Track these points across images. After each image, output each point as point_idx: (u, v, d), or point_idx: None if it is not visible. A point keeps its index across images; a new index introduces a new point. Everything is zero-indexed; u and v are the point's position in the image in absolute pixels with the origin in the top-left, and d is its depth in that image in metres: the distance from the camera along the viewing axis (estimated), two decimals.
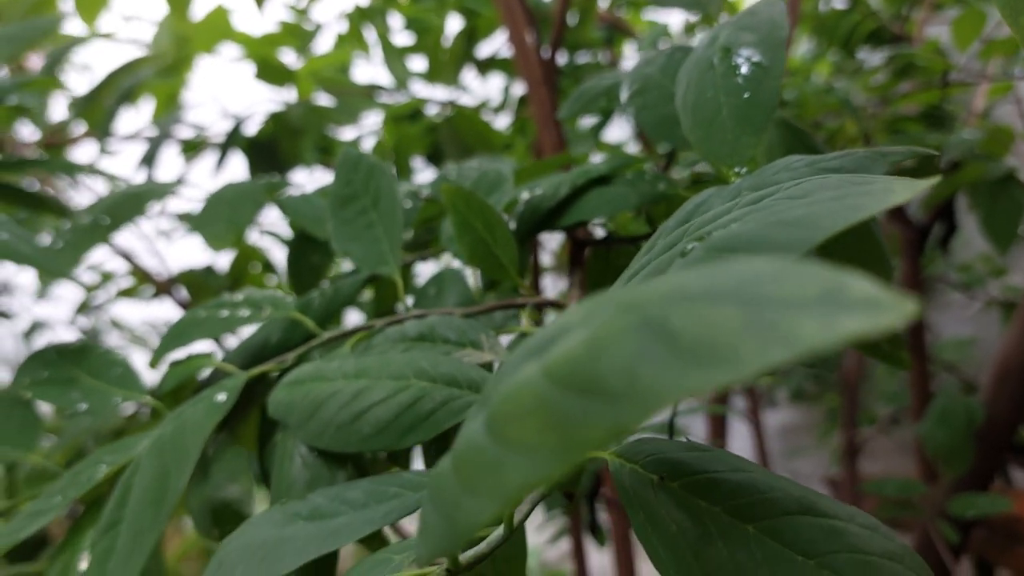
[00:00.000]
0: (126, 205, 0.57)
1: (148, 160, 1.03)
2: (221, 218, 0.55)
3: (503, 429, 0.13)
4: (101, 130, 0.90)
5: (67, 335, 1.57)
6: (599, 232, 0.56)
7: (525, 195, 0.50)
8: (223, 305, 0.44)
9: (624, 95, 0.47)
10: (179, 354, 0.44)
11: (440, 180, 0.62)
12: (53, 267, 0.48)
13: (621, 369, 0.11)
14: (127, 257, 1.16)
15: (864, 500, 1.72)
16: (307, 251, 0.60)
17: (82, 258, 0.53)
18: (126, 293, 1.27)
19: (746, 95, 0.32)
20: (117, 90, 0.90)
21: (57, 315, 1.55)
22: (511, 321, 0.45)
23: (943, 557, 1.03)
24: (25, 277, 1.63)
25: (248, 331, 0.50)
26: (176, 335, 0.44)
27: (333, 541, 0.27)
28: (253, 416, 0.43)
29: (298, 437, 0.35)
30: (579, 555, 1.28)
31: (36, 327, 1.50)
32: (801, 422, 2.40)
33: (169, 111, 1.27)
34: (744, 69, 0.33)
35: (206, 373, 0.47)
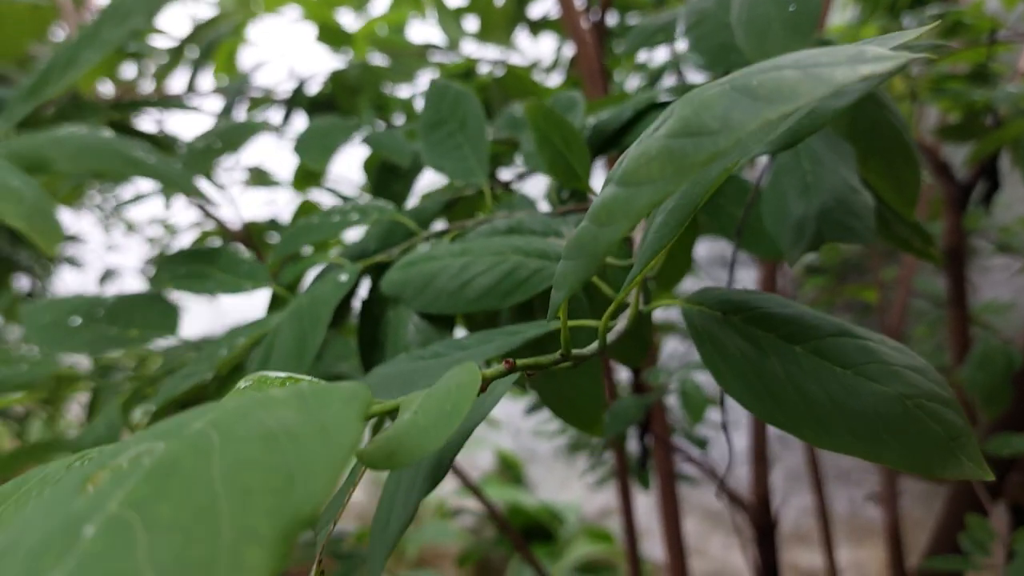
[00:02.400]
0: (233, 133, 0.65)
1: (225, 115, 1.11)
2: (317, 144, 0.63)
3: (632, 176, 0.20)
4: (186, 85, 0.98)
5: (135, 283, 1.67)
6: None
7: (591, 121, 0.56)
8: (334, 212, 0.51)
9: (681, 28, 0.53)
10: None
11: (507, 119, 0.69)
12: (178, 182, 0.55)
13: (719, 115, 0.17)
14: (202, 207, 1.24)
15: None
16: (389, 180, 0.67)
17: (200, 175, 0.61)
18: (200, 241, 1.35)
19: (792, 8, 0.38)
20: (200, 45, 0.98)
21: (127, 263, 1.66)
22: None
23: (980, 497, 1.08)
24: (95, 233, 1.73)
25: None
26: (293, 237, 0.51)
27: (454, 367, 0.33)
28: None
29: (412, 307, 0.42)
30: (625, 496, 1.34)
31: (108, 274, 1.61)
32: None
33: (229, 69, 1.35)
34: None
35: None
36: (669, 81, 1.00)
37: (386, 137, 0.67)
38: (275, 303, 0.53)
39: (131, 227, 1.72)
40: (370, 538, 0.32)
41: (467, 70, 1.36)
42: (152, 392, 0.49)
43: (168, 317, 0.50)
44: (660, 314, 1.73)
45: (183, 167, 0.60)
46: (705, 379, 1.16)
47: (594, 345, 0.31)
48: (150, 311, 0.51)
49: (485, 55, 1.36)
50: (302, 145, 0.63)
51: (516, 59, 1.38)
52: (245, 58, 1.43)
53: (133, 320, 0.51)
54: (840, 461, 2.35)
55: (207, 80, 1.38)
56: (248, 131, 0.67)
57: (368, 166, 0.84)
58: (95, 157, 0.52)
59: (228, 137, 0.65)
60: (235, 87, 1.12)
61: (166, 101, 0.66)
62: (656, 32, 0.60)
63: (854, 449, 0.29)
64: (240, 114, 1.13)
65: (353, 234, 0.64)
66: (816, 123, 0.34)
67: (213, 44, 1.02)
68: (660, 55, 1.42)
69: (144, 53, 0.95)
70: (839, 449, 0.29)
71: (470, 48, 1.38)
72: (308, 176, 0.83)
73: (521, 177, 0.62)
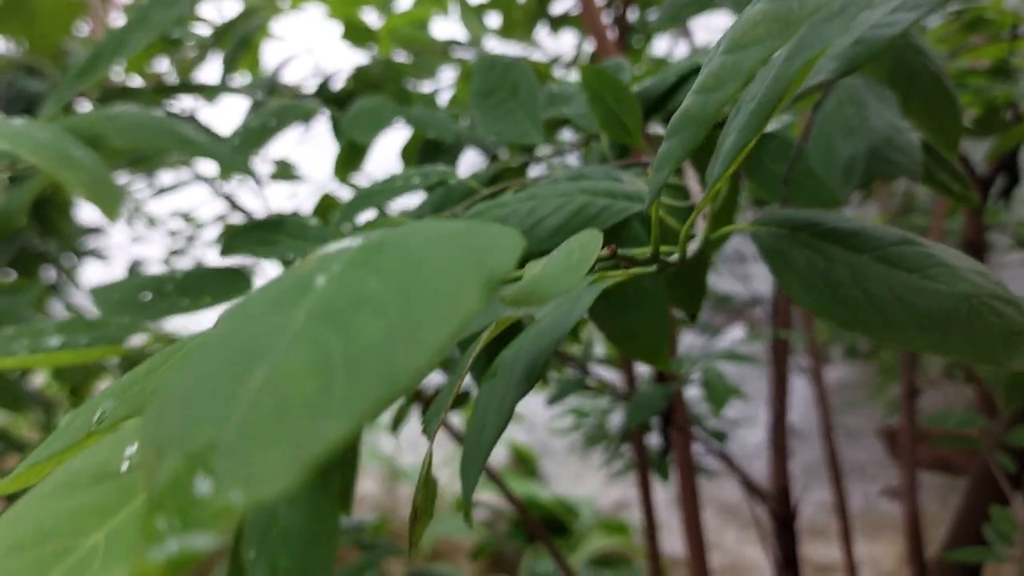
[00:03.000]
0: (287, 113, 0.68)
1: (256, 109, 1.14)
2: (366, 122, 0.66)
3: (740, 41, 0.22)
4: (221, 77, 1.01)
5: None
6: None
7: (635, 89, 0.59)
8: (396, 177, 0.54)
9: None
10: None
11: (547, 96, 0.71)
12: (230, 160, 0.58)
13: None
14: (228, 198, 1.26)
15: (921, 444, 1.77)
16: (434, 157, 0.70)
17: (254, 153, 0.64)
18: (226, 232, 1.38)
19: None
20: (234, 38, 1.00)
21: (151, 255, 1.69)
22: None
23: (1002, 487, 1.09)
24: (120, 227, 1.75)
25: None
26: (358, 202, 0.54)
27: None
28: None
29: None
30: (644, 488, 1.35)
31: (136, 265, 1.64)
32: (854, 379, 2.45)
33: (252, 64, 1.38)
34: None
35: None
36: None
37: (429, 116, 0.69)
38: None
39: (152, 221, 1.75)
40: (464, 446, 0.34)
41: None
42: None
43: (241, 283, 0.53)
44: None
45: (240, 145, 0.62)
46: (727, 368, 1.18)
47: (675, 256, 0.33)
48: (221, 280, 0.54)
49: (506, 51, 1.39)
50: (352, 123, 0.66)
51: (537, 55, 1.41)
52: (268, 54, 1.45)
53: (204, 290, 0.54)
54: (856, 456, 2.36)
55: (229, 75, 1.41)
56: (300, 112, 0.70)
57: (407, 151, 0.86)
58: (147, 133, 0.55)
59: (282, 116, 0.67)
60: (266, 82, 1.15)
61: (211, 87, 0.69)
62: (688, 5, 0.63)
63: (920, 343, 0.31)
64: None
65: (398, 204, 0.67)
66: (870, 51, 0.36)
67: (246, 38, 1.05)
68: (671, 51, 1.44)
69: (185, 39, 0.97)
70: (905, 344, 0.32)
71: (491, 45, 1.41)
72: (348, 162, 0.86)
73: (559, 153, 0.65)
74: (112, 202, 0.50)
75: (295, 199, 1.47)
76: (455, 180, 0.53)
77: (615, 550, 2.16)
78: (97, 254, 1.59)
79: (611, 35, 1.07)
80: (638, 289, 0.44)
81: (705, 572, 1.13)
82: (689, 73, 0.56)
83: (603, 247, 0.32)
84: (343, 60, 1.32)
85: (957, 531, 1.15)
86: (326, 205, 1.26)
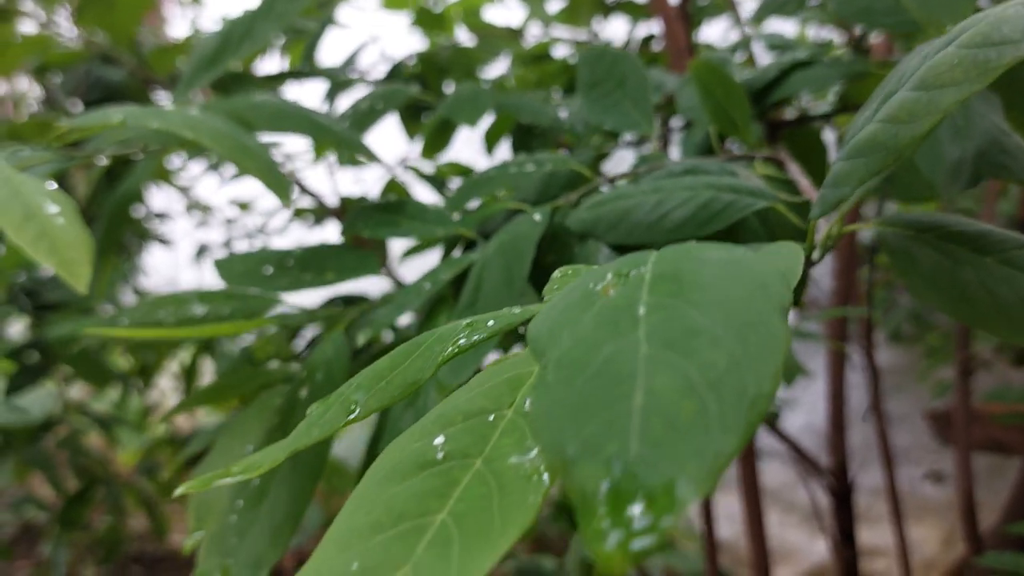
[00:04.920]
0: (391, 96, 0.71)
1: (331, 96, 1.17)
2: (467, 106, 0.69)
3: (934, 81, 0.25)
4: (305, 62, 1.04)
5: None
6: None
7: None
8: (510, 164, 0.57)
9: None
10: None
11: None
12: (354, 143, 0.61)
13: (1019, 27, 0.22)
14: (299, 183, 1.30)
15: (974, 425, 1.78)
16: (528, 140, 0.73)
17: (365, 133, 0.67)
18: (298, 213, 1.42)
19: None
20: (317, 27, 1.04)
21: (214, 240, 1.74)
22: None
23: None
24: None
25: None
26: (472, 187, 0.57)
27: None
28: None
29: (604, 241, 0.47)
30: None
31: (203, 250, 1.69)
32: (899, 363, 2.45)
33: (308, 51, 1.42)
34: None
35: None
36: (739, 58, 1.04)
37: (524, 101, 0.72)
38: (449, 248, 0.59)
39: (206, 209, 1.80)
40: None
41: (542, 53, 1.41)
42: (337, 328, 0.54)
43: (367, 260, 0.56)
44: None
45: (351, 126, 0.66)
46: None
47: (816, 254, 0.36)
48: (343, 257, 0.57)
49: (562, 36, 1.41)
50: (453, 108, 0.69)
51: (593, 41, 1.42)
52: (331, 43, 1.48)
53: (327, 266, 0.57)
54: (899, 441, 2.37)
55: (275, 62, 1.45)
56: (402, 95, 0.73)
57: (491, 135, 0.89)
58: (288, 120, 0.58)
59: (388, 99, 0.71)
60: (342, 68, 1.18)
61: (323, 71, 0.73)
62: (787, 1, 0.65)
63: None
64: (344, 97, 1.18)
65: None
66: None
67: (326, 24, 1.08)
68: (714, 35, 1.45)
69: (307, 29, 1.01)
70: None
71: (534, 31, 1.43)
72: (435, 144, 0.89)
73: (642, 142, 0.67)
74: (284, 188, 0.53)
75: (361, 184, 1.51)
76: (570, 166, 0.55)
77: None
78: (162, 239, 1.64)
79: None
80: None
81: (763, 549, 1.16)
82: (791, 67, 0.58)
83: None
84: (400, 47, 1.35)
85: (1015, 505, 1.16)
86: (391, 191, 1.30)
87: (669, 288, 0.20)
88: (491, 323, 0.24)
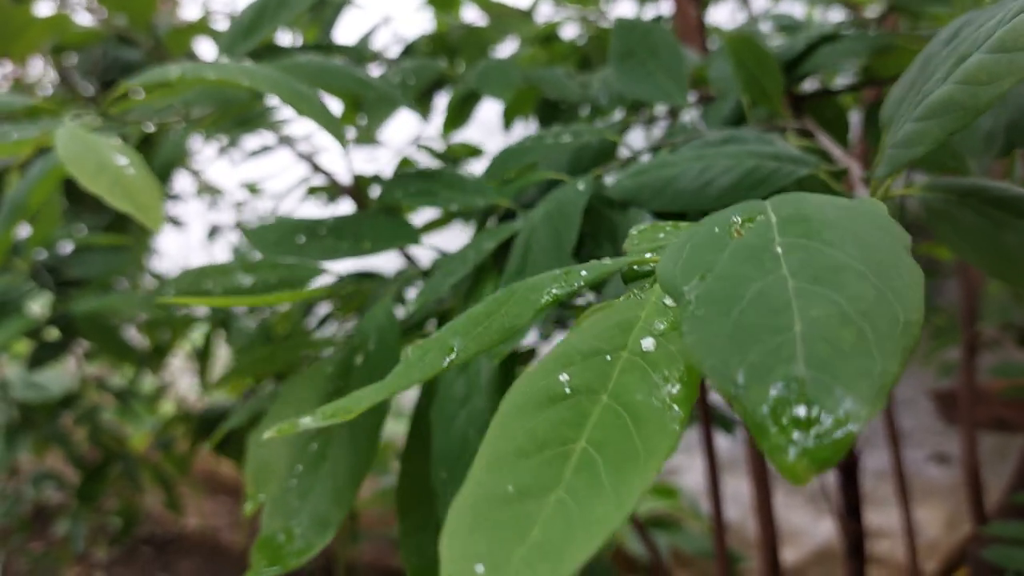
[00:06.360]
0: (422, 71, 0.73)
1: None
2: (498, 79, 0.70)
3: (1013, 44, 0.26)
4: (323, 39, 1.05)
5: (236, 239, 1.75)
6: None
7: None
8: (546, 135, 0.58)
9: None
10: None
11: None
12: (397, 98, 0.62)
13: None
14: (312, 161, 1.31)
15: (979, 404, 1.80)
16: (554, 115, 0.74)
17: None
18: (311, 192, 1.43)
19: None
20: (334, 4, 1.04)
21: (226, 221, 1.75)
22: None
23: None
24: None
25: None
26: (509, 157, 0.58)
27: None
28: None
29: (648, 208, 0.49)
30: (708, 442, 1.39)
31: (215, 231, 1.70)
32: None
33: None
34: None
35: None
36: None
37: (548, 75, 0.73)
38: (482, 221, 0.60)
39: (216, 191, 1.80)
40: None
41: (552, 33, 1.41)
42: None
43: (405, 229, 0.57)
44: None
45: (378, 101, 0.67)
46: None
47: None
48: (379, 226, 0.58)
49: (570, 16, 1.41)
50: (483, 81, 0.70)
51: (600, 21, 1.43)
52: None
53: (363, 235, 0.58)
54: (904, 423, 2.39)
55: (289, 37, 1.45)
56: (432, 70, 0.74)
57: (510, 111, 0.90)
58: (333, 77, 0.60)
59: (419, 73, 0.72)
60: (359, 46, 1.19)
61: (341, 48, 0.74)
62: None
63: None
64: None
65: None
66: None
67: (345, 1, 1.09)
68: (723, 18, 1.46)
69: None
70: None
71: (551, 10, 1.43)
72: (455, 119, 0.90)
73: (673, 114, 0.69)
74: (339, 129, 0.55)
75: (375, 163, 1.51)
76: (607, 136, 0.56)
77: (665, 512, 2.22)
78: (175, 221, 1.64)
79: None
80: None
81: (772, 530, 1.17)
82: (819, 41, 0.60)
83: None
84: (410, 28, 1.35)
85: (1020, 476, 1.18)
86: (406, 165, 1.31)
87: (800, 229, 0.21)
88: (584, 273, 0.26)
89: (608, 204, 0.52)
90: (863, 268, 0.19)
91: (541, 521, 0.17)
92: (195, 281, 0.56)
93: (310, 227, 0.60)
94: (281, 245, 0.58)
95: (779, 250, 0.20)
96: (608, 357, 0.22)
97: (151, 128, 0.68)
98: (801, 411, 0.16)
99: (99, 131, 0.52)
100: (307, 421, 0.27)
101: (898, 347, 0.17)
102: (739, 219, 0.23)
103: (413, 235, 0.57)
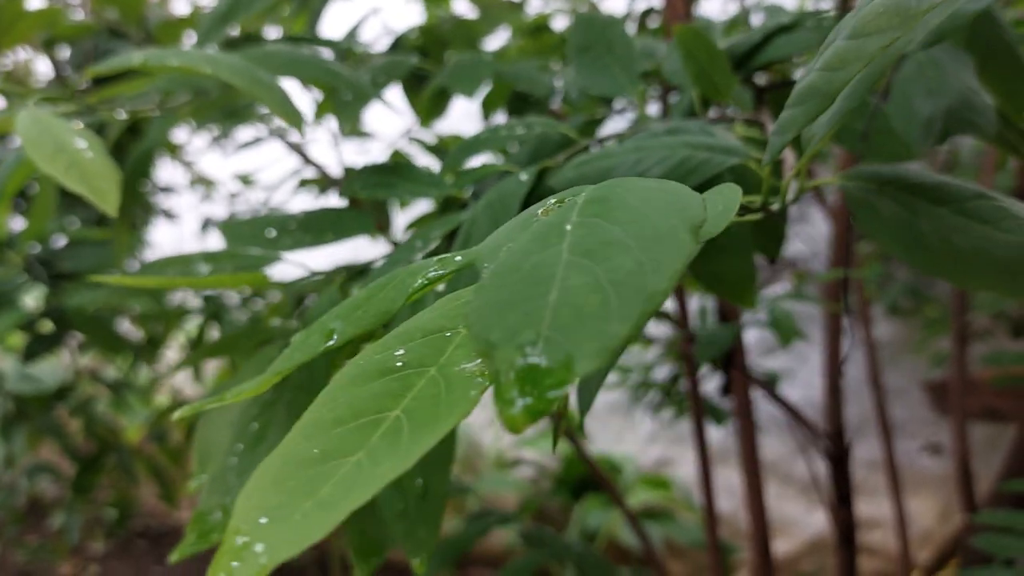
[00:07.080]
0: (392, 68, 0.73)
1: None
2: (466, 76, 0.71)
3: (863, 29, 0.27)
4: (309, 32, 1.06)
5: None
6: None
7: (723, 46, 0.62)
8: (500, 128, 0.59)
9: None
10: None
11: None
12: (367, 92, 0.63)
13: None
14: (302, 154, 1.32)
15: (971, 395, 1.79)
16: (523, 107, 0.75)
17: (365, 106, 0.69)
18: (303, 184, 1.45)
19: None
20: None
21: (219, 214, 1.77)
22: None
23: None
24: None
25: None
26: (464, 149, 0.59)
27: None
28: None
29: None
30: (699, 432, 1.40)
31: (207, 223, 1.72)
32: (897, 336, 2.46)
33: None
34: None
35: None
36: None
37: (520, 69, 0.74)
38: (444, 209, 0.61)
39: (210, 183, 1.82)
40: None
41: (542, 24, 1.42)
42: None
43: (362, 221, 0.59)
44: None
45: (352, 101, 0.68)
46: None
47: (777, 204, 0.38)
48: (341, 219, 0.60)
49: (561, 7, 1.42)
50: (453, 77, 0.71)
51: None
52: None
53: (327, 228, 0.59)
54: (896, 413, 2.39)
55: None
56: (404, 66, 0.75)
57: (488, 103, 0.91)
58: (301, 68, 0.61)
59: (389, 71, 0.73)
60: (346, 40, 1.20)
61: (326, 41, 0.75)
62: None
63: (995, 286, 0.36)
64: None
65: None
66: (956, 24, 0.40)
67: None
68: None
69: None
70: (982, 286, 0.36)
71: (541, 2, 1.43)
72: (431, 111, 0.92)
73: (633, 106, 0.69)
74: (297, 117, 0.56)
75: (366, 155, 1.53)
76: (558, 129, 0.57)
77: (658, 504, 2.23)
78: (168, 213, 1.66)
79: None
80: (728, 236, 0.49)
81: (763, 521, 1.18)
82: (775, 32, 0.60)
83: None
84: (399, 20, 1.36)
85: (1011, 465, 1.18)
86: (397, 158, 1.32)
87: (595, 209, 0.22)
88: (458, 259, 0.27)
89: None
90: (632, 243, 0.20)
91: (334, 480, 0.18)
92: (158, 270, 0.58)
93: (281, 222, 0.61)
94: (252, 237, 0.60)
95: (568, 227, 0.21)
96: (448, 334, 0.23)
97: (123, 115, 0.69)
98: (532, 368, 0.17)
99: (71, 116, 0.54)
100: (217, 405, 0.28)
101: (635, 312, 0.18)
102: (553, 200, 0.24)
103: (368, 226, 0.59)
